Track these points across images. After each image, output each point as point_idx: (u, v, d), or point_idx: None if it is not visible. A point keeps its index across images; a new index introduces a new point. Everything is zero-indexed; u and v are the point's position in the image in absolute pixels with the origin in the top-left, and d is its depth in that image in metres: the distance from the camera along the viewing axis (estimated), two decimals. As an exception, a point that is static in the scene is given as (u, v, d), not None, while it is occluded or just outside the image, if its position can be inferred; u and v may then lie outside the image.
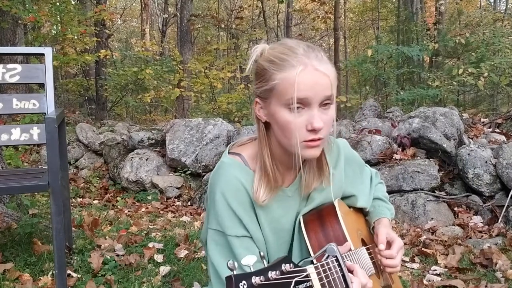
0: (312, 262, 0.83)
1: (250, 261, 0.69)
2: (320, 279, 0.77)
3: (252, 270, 0.67)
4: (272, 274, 0.66)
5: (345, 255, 0.94)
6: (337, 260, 0.85)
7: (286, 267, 0.69)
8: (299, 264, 0.77)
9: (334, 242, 0.99)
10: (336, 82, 0.97)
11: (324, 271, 0.79)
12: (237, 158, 1.06)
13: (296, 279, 0.70)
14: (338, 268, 0.84)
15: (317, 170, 1.06)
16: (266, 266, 0.68)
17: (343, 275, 0.84)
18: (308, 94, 0.92)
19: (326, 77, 0.93)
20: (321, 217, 1.05)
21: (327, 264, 0.82)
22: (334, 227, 1.02)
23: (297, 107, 0.93)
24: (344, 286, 0.84)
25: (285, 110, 0.94)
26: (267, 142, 1.02)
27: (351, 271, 0.89)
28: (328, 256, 0.85)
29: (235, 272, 0.64)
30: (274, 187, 1.02)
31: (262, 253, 0.72)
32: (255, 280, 0.64)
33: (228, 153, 1.08)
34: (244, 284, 0.63)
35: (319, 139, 0.95)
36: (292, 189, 1.07)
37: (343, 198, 1.18)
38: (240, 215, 1.00)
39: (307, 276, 0.72)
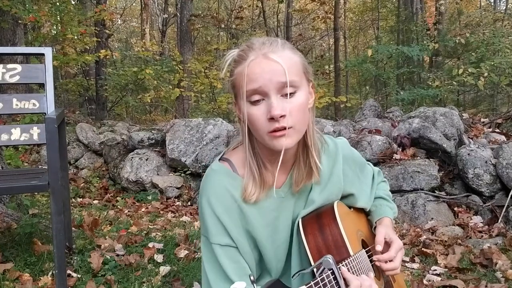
0: (312, 272, 0.83)
1: (240, 286, 0.68)
2: None
3: None
4: None
5: (345, 263, 0.93)
6: (333, 273, 0.84)
7: None
8: (294, 277, 0.75)
9: (333, 245, 0.98)
10: (297, 68, 0.95)
11: None
12: (226, 164, 1.05)
13: None
14: (334, 282, 0.83)
15: (304, 167, 1.04)
16: None
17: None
18: (260, 83, 0.91)
19: (277, 64, 0.91)
20: (319, 220, 1.04)
21: (322, 280, 0.81)
22: (333, 230, 1.01)
23: (257, 100, 0.93)
24: None
25: (247, 104, 0.94)
26: (249, 141, 1.01)
27: (346, 281, 0.88)
28: (324, 269, 0.84)
29: None
30: (263, 187, 1.02)
31: (252, 277, 0.71)
32: None
33: (220, 159, 1.08)
34: None
35: (284, 128, 0.92)
36: (284, 190, 1.06)
37: (342, 198, 1.16)
38: (225, 221, 0.99)
39: None
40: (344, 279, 0.87)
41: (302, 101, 0.95)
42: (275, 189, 1.05)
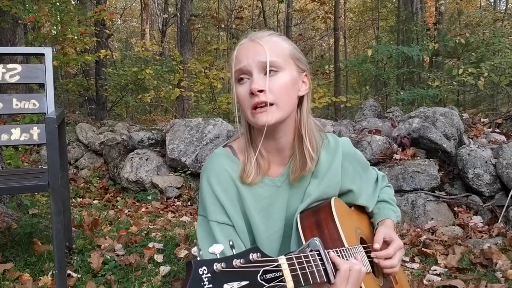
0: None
1: (216, 249, 0.67)
2: (293, 270, 0.73)
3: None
4: (236, 262, 0.64)
5: (336, 250, 0.93)
6: (319, 254, 0.83)
7: (253, 256, 0.68)
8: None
9: (328, 238, 0.99)
10: (282, 52, 1.01)
11: (300, 263, 0.77)
12: (227, 149, 1.11)
13: (265, 268, 0.68)
14: (319, 262, 0.82)
15: (300, 157, 1.07)
16: (233, 254, 0.66)
17: (325, 269, 0.83)
18: (245, 62, 0.99)
19: (259, 46, 0.99)
20: (316, 215, 1.05)
21: (306, 257, 0.80)
22: (329, 224, 1.02)
23: (243, 79, 1.00)
24: (325, 279, 0.82)
25: (236, 85, 1.02)
26: (247, 129, 1.07)
27: (335, 265, 0.87)
28: (311, 250, 0.84)
29: (199, 259, 0.62)
30: (259, 171, 1.06)
31: (231, 243, 0.70)
32: (217, 266, 0.62)
33: (223, 146, 1.13)
34: (205, 269, 0.61)
35: (264, 104, 0.96)
36: (281, 179, 1.09)
37: (342, 195, 1.16)
38: (223, 201, 1.03)
39: (277, 266, 0.70)
40: (333, 263, 0.86)
41: (285, 81, 0.99)
42: (272, 178, 1.09)
